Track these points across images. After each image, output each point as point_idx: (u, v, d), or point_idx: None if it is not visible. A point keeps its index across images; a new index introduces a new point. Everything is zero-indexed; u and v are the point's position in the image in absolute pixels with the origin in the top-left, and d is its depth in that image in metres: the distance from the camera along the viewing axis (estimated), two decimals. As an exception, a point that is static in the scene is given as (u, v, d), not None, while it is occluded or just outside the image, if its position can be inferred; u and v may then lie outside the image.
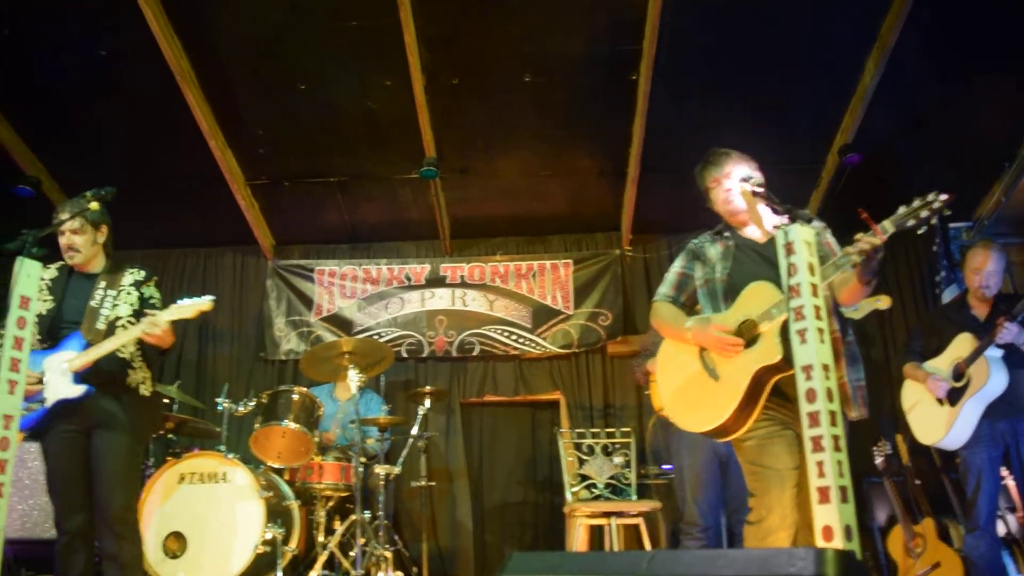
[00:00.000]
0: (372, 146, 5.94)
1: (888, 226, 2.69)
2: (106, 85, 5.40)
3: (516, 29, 5.05)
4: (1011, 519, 4.84)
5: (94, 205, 3.32)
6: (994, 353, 4.05)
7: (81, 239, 3.58)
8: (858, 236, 2.70)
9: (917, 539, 4.80)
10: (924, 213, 2.65)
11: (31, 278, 2.71)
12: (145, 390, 3.60)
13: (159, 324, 3.30)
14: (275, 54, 5.26)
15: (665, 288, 3.19)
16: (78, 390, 3.37)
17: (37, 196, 5.96)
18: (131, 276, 3.60)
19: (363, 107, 5.60)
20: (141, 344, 3.51)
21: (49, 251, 2.94)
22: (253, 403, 5.05)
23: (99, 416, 3.44)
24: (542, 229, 6.79)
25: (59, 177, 6.14)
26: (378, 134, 5.83)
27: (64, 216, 3.45)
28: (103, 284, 3.55)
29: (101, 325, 3.46)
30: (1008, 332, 3.93)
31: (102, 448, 3.43)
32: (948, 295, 5.82)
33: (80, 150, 5.90)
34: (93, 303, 3.52)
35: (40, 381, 3.40)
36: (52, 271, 3.67)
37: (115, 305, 3.51)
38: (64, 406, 3.40)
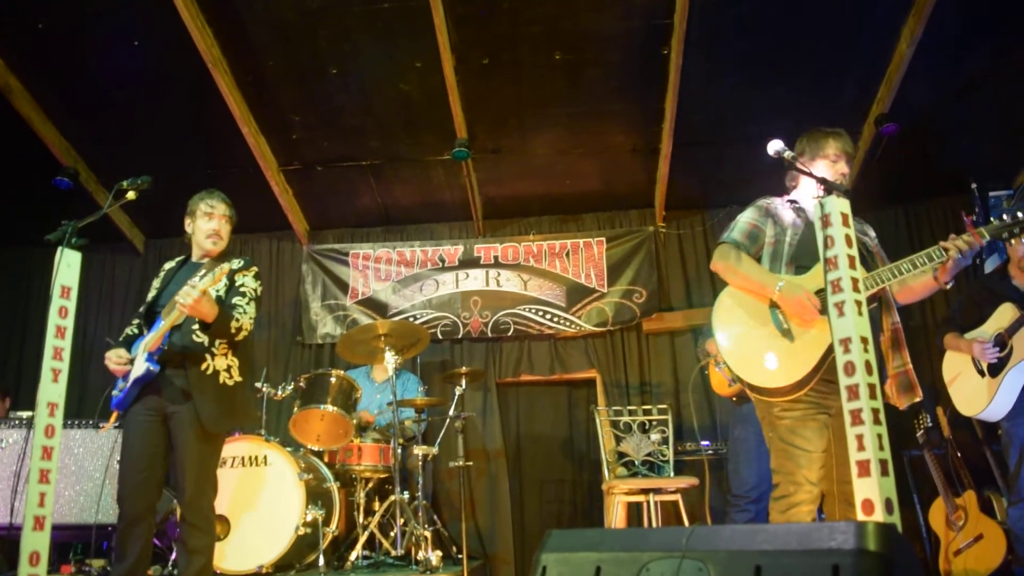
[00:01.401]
0: (404, 128, 5.95)
1: (986, 233, 2.78)
2: (140, 75, 5.47)
3: (546, 6, 5.01)
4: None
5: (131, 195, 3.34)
6: (1037, 322, 3.97)
7: (228, 228, 3.72)
8: (953, 237, 2.75)
9: (959, 512, 4.75)
10: (1018, 230, 2.77)
11: (71, 268, 2.74)
12: (227, 379, 3.53)
13: (191, 293, 3.26)
14: (306, 39, 5.27)
15: (737, 235, 3.09)
16: (144, 368, 3.37)
17: (75, 187, 6.06)
18: (230, 266, 3.60)
19: (395, 89, 5.60)
20: (204, 325, 3.44)
21: (89, 241, 2.98)
22: (291, 387, 5.11)
23: (172, 400, 3.43)
24: (575, 207, 6.77)
25: (96, 168, 6.24)
26: (410, 116, 5.83)
27: (218, 204, 3.68)
28: (203, 271, 3.51)
29: None
30: None
31: (174, 431, 3.43)
32: (990, 265, 5.70)
33: (116, 140, 5.98)
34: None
35: (131, 363, 3.47)
36: (172, 262, 3.79)
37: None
38: (140, 387, 3.44)
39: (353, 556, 4.78)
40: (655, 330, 6.37)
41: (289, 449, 4.84)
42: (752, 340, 2.89)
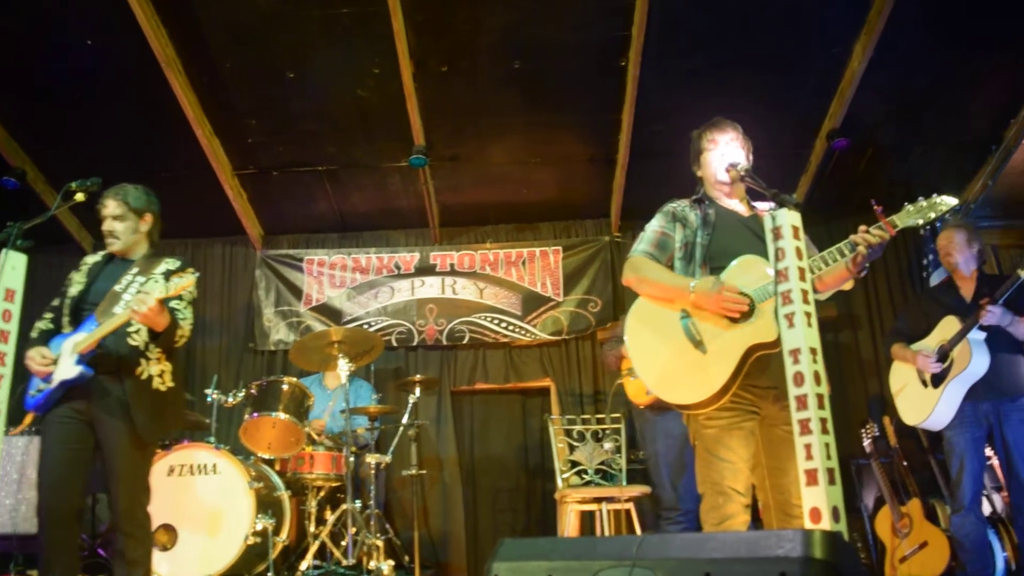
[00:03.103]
0: (361, 134, 5.92)
1: (897, 221, 2.75)
2: (92, 75, 5.36)
3: (505, 15, 5.03)
4: (996, 498, 4.89)
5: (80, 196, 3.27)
6: (977, 336, 4.08)
7: (122, 226, 3.56)
8: (864, 228, 2.73)
9: (904, 519, 4.84)
10: (931, 214, 2.76)
11: (16, 270, 2.68)
12: (160, 384, 3.43)
13: (147, 301, 3.19)
14: (263, 42, 5.22)
15: (645, 246, 3.02)
16: (76, 371, 3.25)
17: (22, 187, 5.92)
18: (165, 265, 3.48)
19: (352, 95, 5.57)
20: (152, 333, 3.36)
21: (36, 243, 2.91)
22: (242, 394, 5.04)
23: (102, 404, 3.31)
24: (531, 216, 6.79)
25: (44, 168, 6.10)
26: (367, 122, 5.80)
27: (108, 201, 3.51)
28: (135, 270, 3.45)
29: (118, 309, 3.31)
30: (992, 315, 3.97)
31: (105, 440, 3.31)
32: (936, 278, 5.84)
33: (66, 140, 5.86)
34: (118, 287, 3.43)
35: (55, 362, 3.33)
36: (96, 256, 3.66)
37: (139, 291, 3.34)
38: (66, 389, 3.31)
39: (304, 566, 4.73)
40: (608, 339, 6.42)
41: (239, 457, 4.78)
42: (665, 357, 2.82)
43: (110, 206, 3.55)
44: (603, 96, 5.54)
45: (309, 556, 4.76)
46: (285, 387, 4.98)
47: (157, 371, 3.44)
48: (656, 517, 4.92)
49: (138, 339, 3.38)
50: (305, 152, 6.08)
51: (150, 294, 3.17)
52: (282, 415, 4.86)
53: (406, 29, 4.99)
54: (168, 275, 3.45)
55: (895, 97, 5.56)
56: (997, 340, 4.10)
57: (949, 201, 2.76)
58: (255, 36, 5.18)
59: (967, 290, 4.37)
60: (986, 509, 4.63)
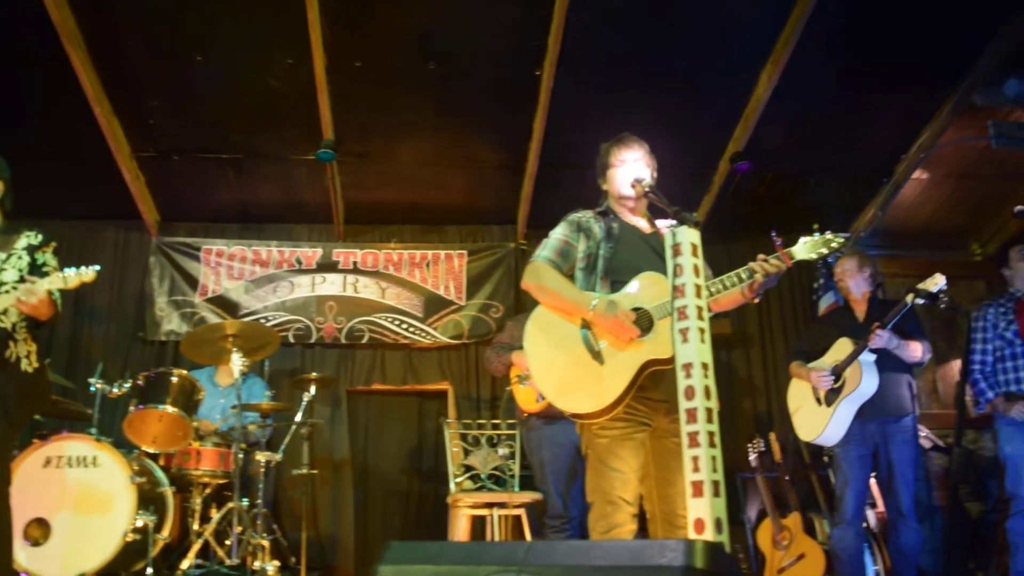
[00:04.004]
0: (269, 124, 5.79)
1: (794, 254, 2.88)
2: (-19, 41, 5.09)
3: (424, 16, 5.00)
4: (871, 515, 5.10)
5: None
6: (867, 357, 4.26)
7: None
8: (762, 257, 2.83)
9: (784, 532, 5.01)
10: (824, 250, 2.91)
11: None
12: (27, 365, 3.28)
13: (36, 292, 3.04)
14: (173, 22, 5.03)
15: (548, 253, 3.02)
16: None
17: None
18: (26, 239, 3.29)
19: (262, 84, 5.44)
20: (24, 315, 3.25)
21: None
22: (129, 384, 4.85)
23: None
24: (438, 219, 6.77)
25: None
26: (276, 112, 5.67)
27: None
28: None
29: None
30: (880, 339, 4.16)
31: None
32: (825, 302, 6.10)
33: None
34: None
35: None
36: None
37: (2, 269, 3.21)
38: None
39: (185, 564, 4.59)
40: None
41: (122, 450, 4.59)
42: (562, 366, 2.84)
43: None
44: (516, 104, 5.57)
45: (191, 555, 4.62)
46: (174, 379, 4.83)
47: (24, 351, 3.29)
48: (541, 525, 4.97)
49: (7, 320, 3.21)
50: (209, 138, 5.90)
51: (37, 283, 3.03)
52: (169, 408, 4.71)
53: (321, 20, 4.91)
54: (31, 250, 3.29)
55: (796, 126, 5.78)
56: (886, 362, 4.29)
57: (838, 240, 2.94)
58: (165, 14, 4.99)
59: (860, 312, 4.58)
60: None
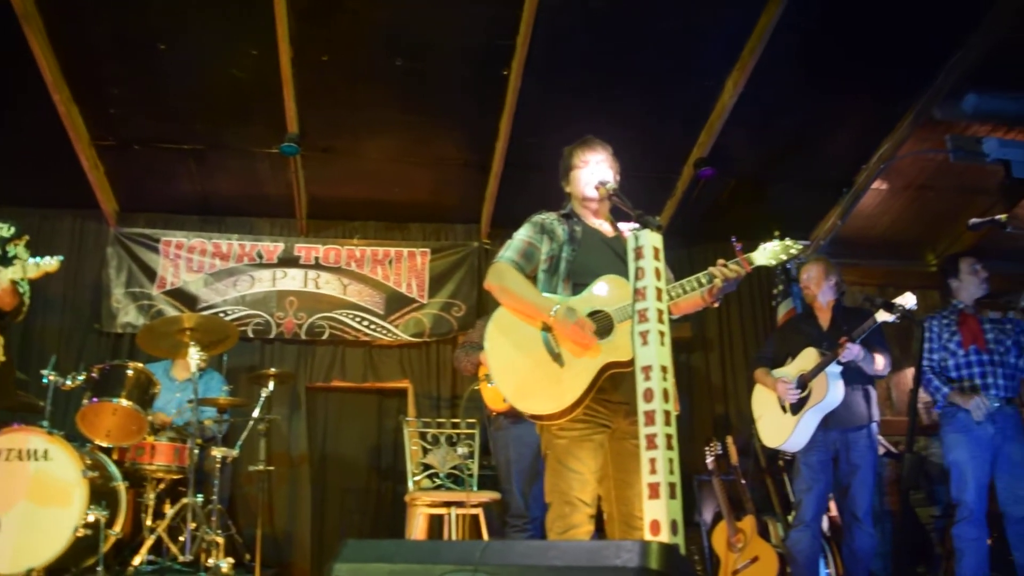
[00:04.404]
0: (233, 116, 5.72)
1: (753, 260, 2.91)
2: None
3: (393, 12, 4.98)
4: (824, 519, 5.18)
5: None
6: (834, 369, 4.34)
7: None
8: (722, 262, 2.86)
9: (739, 534, 5.07)
10: (783, 256, 2.94)
11: None
12: None
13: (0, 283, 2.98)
14: (137, 8, 4.94)
15: (512, 254, 3.03)
16: None
17: None
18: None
19: (227, 74, 5.37)
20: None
21: None
22: (83, 377, 4.75)
23: None
24: (402, 216, 6.74)
25: None
26: (240, 104, 5.61)
27: None
28: None
29: None
30: (849, 352, 4.22)
31: None
32: (783, 308, 6.18)
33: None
34: None
35: None
36: None
37: None
38: None
39: (137, 561, 4.53)
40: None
41: (75, 444, 4.51)
42: (523, 368, 2.85)
43: None
44: (483, 103, 5.57)
45: (143, 551, 4.56)
46: (130, 372, 4.75)
47: None
48: (503, 524, 4.97)
49: None
50: (171, 128, 5.81)
51: (2, 273, 2.96)
52: (124, 401, 4.63)
53: (288, 13, 4.86)
54: (2, 242, 3.22)
55: (760, 134, 5.85)
56: (850, 374, 4.37)
57: (796, 246, 2.97)
58: (129, 1, 4.91)
59: (824, 320, 4.66)
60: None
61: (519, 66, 5.15)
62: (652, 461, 2.16)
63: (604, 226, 3.16)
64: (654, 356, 2.26)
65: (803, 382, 4.42)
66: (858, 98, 5.60)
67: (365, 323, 6.40)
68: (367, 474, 6.41)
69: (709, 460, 5.39)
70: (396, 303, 6.48)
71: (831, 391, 4.28)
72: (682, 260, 5.69)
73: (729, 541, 5.10)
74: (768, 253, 2.95)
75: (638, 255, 2.38)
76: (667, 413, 2.21)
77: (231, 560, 4.64)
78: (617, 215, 3.20)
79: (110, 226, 6.42)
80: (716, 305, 3.00)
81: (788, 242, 2.96)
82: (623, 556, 1.45)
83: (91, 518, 4.31)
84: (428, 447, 5.39)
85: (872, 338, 4.31)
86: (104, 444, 4.78)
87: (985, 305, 4.58)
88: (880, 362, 4.42)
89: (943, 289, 4.83)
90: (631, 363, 2.60)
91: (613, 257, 3.01)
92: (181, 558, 4.59)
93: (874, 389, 4.54)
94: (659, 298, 2.33)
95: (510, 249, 3.06)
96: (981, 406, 4.33)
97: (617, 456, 2.89)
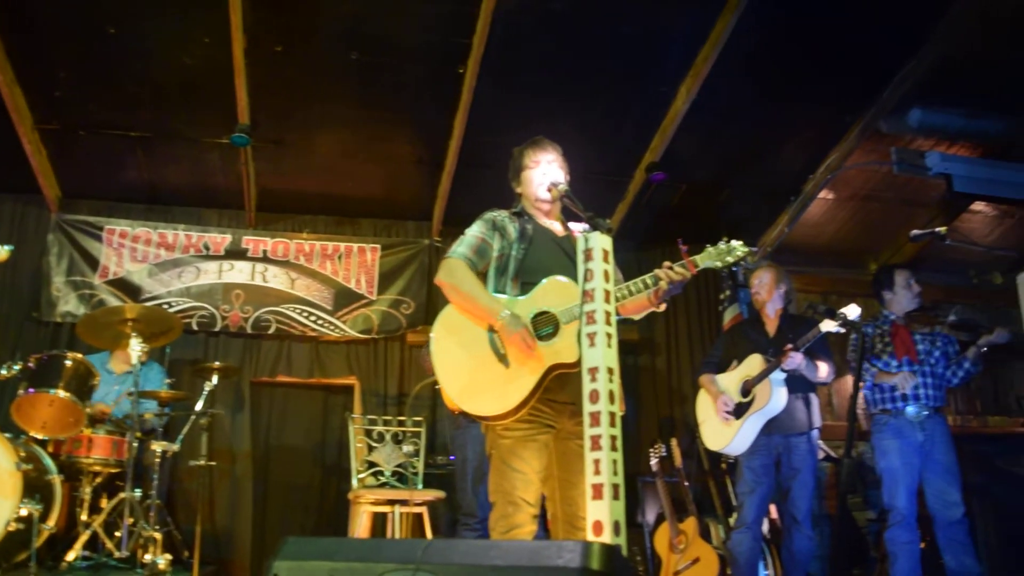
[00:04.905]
0: (183, 104, 5.61)
1: (698, 262, 2.92)
2: None
3: (350, 4, 4.93)
4: (764, 521, 5.26)
5: None
6: (777, 376, 4.42)
7: None
8: (668, 264, 2.87)
9: (681, 536, 5.12)
10: (729, 259, 2.96)
11: None
12: None
13: None
14: (85, -10, 4.85)
15: (465, 249, 3.02)
16: None
17: None
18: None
19: (178, 62, 5.26)
20: None
21: None
22: (19, 367, 4.63)
23: None
24: (353, 211, 6.69)
25: None
26: (190, 92, 5.50)
27: None
28: None
29: None
30: (793, 361, 4.30)
31: None
32: (730, 313, 6.26)
33: None
34: None
35: None
36: None
37: None
38: None
39: (71, 556, 4.43)
40: (419, 342, 6.39)
41: (8, 435, 4.39)
42: (468, 368, 2.85)
43: None
44: (438, 100, 5.54)
45: (78, 546, 4.46)
46: (68, 363, 4.65)
47: None
48: (454, 522, 4.97)
49: None
50: (119, 114, 5.69)
51: None
52: (62, 393, 4.53)
53: (243, 1, 4.79)
54: None
55: (711, 140, 5.92)
56: (793, 381, 4.46)
57: (742, 249, 2.99)
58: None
59: (771, 327, 4.75)
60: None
61: (475, 65, 5.14)
62: (596, 462, 2.18)
63: (555, 226, 3.18)
64: (601, 358, 2.27)
65: (747, 388, 4.49)
66: (808, 109, 5.70)
67: (312, 318, 6.34)
68: (311, 471, 6.34)
69: (653, 462, 5.43)
70: (345, 299, 6.43)
71: (774, 397, 4.36)
72: (631, 263, 5.72)
73: (671, 542, 5.15)
74: (713, 255, 2.98)
75: (587, 257, 2.40)
76: (612, 415, 2.23)
77: (169, 556, 4.56)
78: (568, 215, 3.21)
79: (52, 212, 6.26)
80: (663, 308, 3.02)
81: (734, 244, 2.98)
82: (565, 556, 1.46)
83: (24, 512, 4.21)
84: (374, 444, 5.36)
85: (816, 346, 4.40)
86: (39, 436, 4.66)
87: (914, 319, 4.70)
88: (823, 370, 4.52)
89: (876, 299, 4.94)
90: (577, 364, 2.62)
91: (563, 257, 3.02)
92: (117, 554, 4.50)
93: (816, 396, 4.64)
94: (607, 300, 2.34)
95: (463, 245, 3.05)
96: (907, 379, 4.48)
97: (562, 456, 2.90)
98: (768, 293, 4.76)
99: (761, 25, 4.91)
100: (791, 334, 4.48)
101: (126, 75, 5.38)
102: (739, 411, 4.50)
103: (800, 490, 4.47)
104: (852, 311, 4.12)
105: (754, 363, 4.53)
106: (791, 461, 4.50)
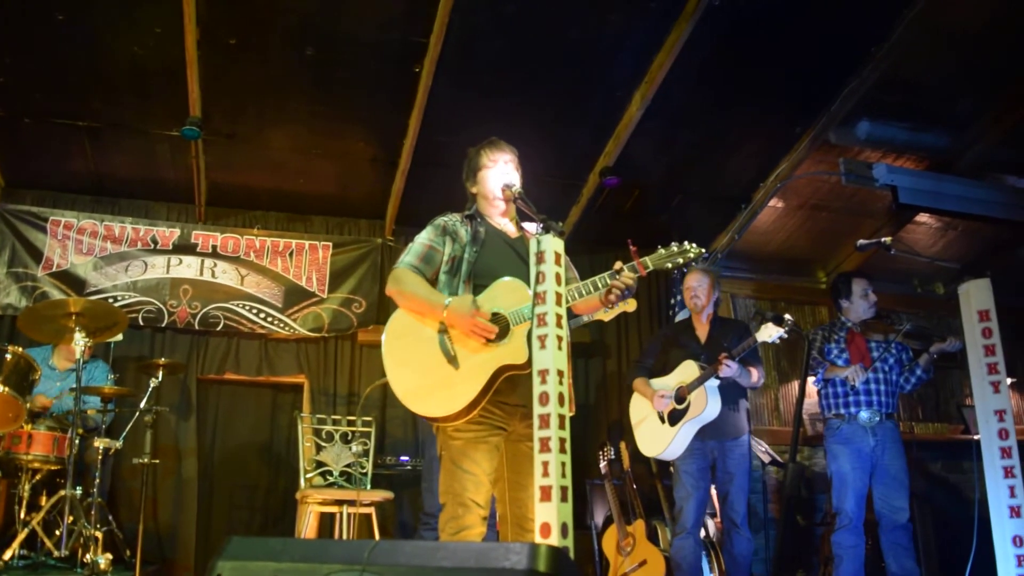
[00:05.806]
0: (132, 94, 5.49)
1: (649, 263, 2.94)
2: None
3: (306, 0, 4.89)
4: (710, 524, 5.33)
5: None
6: (712, 383, 4.52)
7: None
8: (619, 266, 2.89)
9: (628, 538, 5.17)
10: (679, 260, 2.98)
11: None
12: None
13: None
14: (33, -25, 4.73)
15: (411, 258, 3.05)
16: None
17: None
18: None
19: (128, 51, 5.15)
20: None
21: None
22: (-44, 360, 4.52)
23: None
24: (305, 208, 6.63)
25: None
26: (140, 83, 5.39)
27: None
28: None
29: None
30: (728, 370, 4.38)
31: None
32: (681, 318, 6.32)
33: None
34: None
35: None
36: None
37: None
38: None
39: (8, 555, 4.32)
40: (370, 342, 6.36)
41: (-58, 429, 4.29)
42: (417, 370, 2.86)
43: None
44: (393, 99, 5.51)
45: (15, 545, 4.35)
46: (8, 357, 4.54)
47: None
48: (415, 523, 4.96)
49: None
50: (66, 103, 5.55)
51: None
52: (1, 387, 4.41)
53: (196, -8, 4.72)
54: None
55: (665, 146, 5.97)
56: (726, 388, 4.57)
57: (695, 250, 3.02)
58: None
59: (702, 332, 4.84)
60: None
61: (431, 64, 5.12)
62: (545, 464, 2.19)
63: (509, 226, 3.19)
64: (551, 360, 2.28)
65: (681, 395, 4.57)
66: (759, 118, 5.78)
67: (262, 315, 6.26)
68: (258, 470, 6.27)
69: (602, 465, 5.47)
70: (295, 296, 6.36)
71: (709, 405, 4.46)
72: (583, 266, 5.73)
73: (619, 544, 5.19)
74: (664, 256, 3.01)
75: (539, 259, 2.41)
76: (561, 417, 2.24)
77: (109, 556, 4.47)
78: (522, 216, 3.22)
79: (-7, 202, 6.11)
80: (614, 308, 3.05)
81: (687, 246, 3.01)
82: (512, 558, 1.46)
83: (-42, 509, 4.10)
84: (322, 444, 5.31)
85: (748, 354, 4.48)
86: (-24, 431, 4.55)
87: (870, 327, 4.80)
88: (755, 375, 4.65)
89: (833, 305, 5.04)
90: (526, 365, 2.63)
91: (515, 259, 3.03)
92: (56, 553, 4.41)
93: (746, 401, 4.77)
94: (558, 303, 2.35)
95: (410, 254, 3.07)
96: (858, 372, 4.58)
97: (512, 458, 2.91)
98: (707, 298, 4.83)
99: (715, 35, 4.97)
100: (725, 342, 4.57)
101: (74, 63, 5.26)
102: (674, 417, 4.58)
103: (737, 494, 4.58)
104: (770, 332, 4.22)
105: (689, 369, 4.61)
106: (726, 466, 4.61)
